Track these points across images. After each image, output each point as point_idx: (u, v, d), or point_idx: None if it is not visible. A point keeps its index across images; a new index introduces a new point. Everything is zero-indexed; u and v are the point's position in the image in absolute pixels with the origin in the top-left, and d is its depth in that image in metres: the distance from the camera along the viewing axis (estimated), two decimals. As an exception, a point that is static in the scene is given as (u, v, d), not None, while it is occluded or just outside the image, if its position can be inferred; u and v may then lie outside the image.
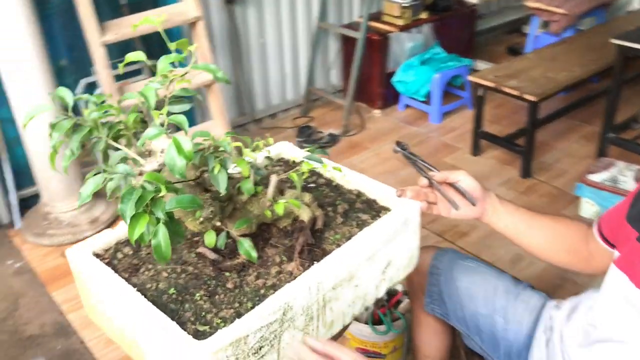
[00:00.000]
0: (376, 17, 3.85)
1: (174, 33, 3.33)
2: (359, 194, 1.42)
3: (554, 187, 3.03)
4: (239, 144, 1.13)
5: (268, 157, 1.30)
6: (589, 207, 2.58)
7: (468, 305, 1.55)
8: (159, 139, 0.99)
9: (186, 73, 1.13)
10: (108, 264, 1.22)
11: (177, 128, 1.00)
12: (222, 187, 1.00)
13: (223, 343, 0.99)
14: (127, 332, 1.16)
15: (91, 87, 3.13)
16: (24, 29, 2.50)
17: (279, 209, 1.15)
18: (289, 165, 1.55)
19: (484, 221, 1.40)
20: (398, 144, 1.45)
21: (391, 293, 2.12)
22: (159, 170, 1.00)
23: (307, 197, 1.26)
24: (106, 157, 1.09)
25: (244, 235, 1.19)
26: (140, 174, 0.99)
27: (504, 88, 2.99)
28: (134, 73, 3.27)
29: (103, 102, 1.02)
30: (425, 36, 3.88)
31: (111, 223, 2.92)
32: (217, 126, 3.17)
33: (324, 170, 1.22)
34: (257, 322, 1.04)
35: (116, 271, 1.20)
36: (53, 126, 1.01)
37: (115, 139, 1.09)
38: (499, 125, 3.66)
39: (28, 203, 3.09)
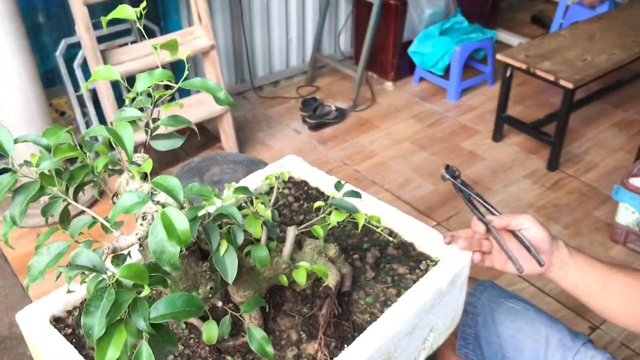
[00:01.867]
0: (393, -22, 3.48)
1: (168, -10, 2.96)
2: (391, 234, 1.13)
3: (584, 183, 2.75)
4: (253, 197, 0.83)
5: (281, 193, 1.00)
6: (628, 214, 2.31)
7: (512, 357, 1.30)
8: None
9: (175, 91, 0.82)
10: (72, 334, 0.94)
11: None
12: (230, 275, 0.71)
13: None
14: None
15: (74, 48, 2.78)
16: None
17: (300, 277, 0.86)
18: (300, 188, 1.25)
19: (548, 277, 1.13)
20: (447, 168, 1.14)
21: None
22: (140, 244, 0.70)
23: (332, 249, 0.97)
24: (66, 216, 0.79)
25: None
26: (114, 252, 0.70)
27: (536, 71, 2.67)
28: (122, 33, 2.90)
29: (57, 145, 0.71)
30: (446, 3, 3.51)
31: (93, 203, 2.62)
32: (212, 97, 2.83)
33: (359, 216, 0.91)
34: None
35: (82, 347, 0.92)
36: (-11, 178, 0.71)
37: (79, 187, 0.79)
38: (522, 106, 3.35)
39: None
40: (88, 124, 2.89)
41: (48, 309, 0.96)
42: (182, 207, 0.76)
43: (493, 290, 1.37)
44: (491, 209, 1.10)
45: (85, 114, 2.89)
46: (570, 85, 2.58)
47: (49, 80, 2.79)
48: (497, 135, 3.05)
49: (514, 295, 1.36)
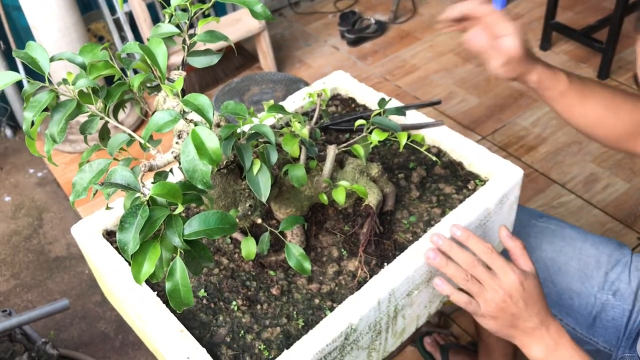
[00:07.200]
0: None
1: None
2: (440, 153, 1.10)
3: (637, 92, 2.63)
4: (289, 113, 0.81)
5: (324, 110, 0.97)
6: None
7: (559, 281, 1.24)
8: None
9: (211, 5, 0.80)
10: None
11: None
12: (264, 193, 0.71)
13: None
14: (150, 338, 0.93)
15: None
16: None
17: (339, 196, 0.85)
18: (347, 105, 1.22)
19: (525, 82, 1.05)
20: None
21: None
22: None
23: (375, 168, 0.95)
24: (106, 134, 0.80)
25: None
26: (150, 169, 0.70)
27: (589, -28, 2.50)
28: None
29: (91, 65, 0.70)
30: None
31: (137, 127, 2.65)
32: (249, 15, 2.77)
33: (401, 136, 0.89)
34: (311, 355, 0.79)
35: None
36: (26, 99, 0.72)
37: (119, 105, 0.79)
38: (572, 12, 3.17)
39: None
40: (127, 48, 2.88)
41: (100, 223, 1.00)
42: (218, 126, 0.76)
43: (525, 212, 1.28)
44: None
45: (123, 38, 2.87)
46: (626, -14, 2.41)
47: (85, 5, 2.77)
48: (546, 44, 2.91)
49: (543, 214, 1.29)
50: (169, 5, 0.79)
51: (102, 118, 0.72)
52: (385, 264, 0.89)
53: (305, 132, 0.80)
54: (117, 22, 2.81)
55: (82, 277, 2.13)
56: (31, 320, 1.62)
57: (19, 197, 2.47)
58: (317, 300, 0.88)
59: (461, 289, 0.88)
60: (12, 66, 2.67)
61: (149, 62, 0.70)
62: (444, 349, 1.70)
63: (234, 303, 0.88)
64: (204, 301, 0.90)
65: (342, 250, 0.93)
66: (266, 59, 2.85)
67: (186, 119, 0.67)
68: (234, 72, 2.93)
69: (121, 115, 0.82)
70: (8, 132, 2.76)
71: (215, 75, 2.87)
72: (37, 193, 2.48)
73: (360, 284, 0.88)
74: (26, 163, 2.62)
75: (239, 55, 2.95)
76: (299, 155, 0.85)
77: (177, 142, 0.71)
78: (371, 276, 0.88)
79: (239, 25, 2.75)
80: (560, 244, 1.22)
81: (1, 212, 2.41)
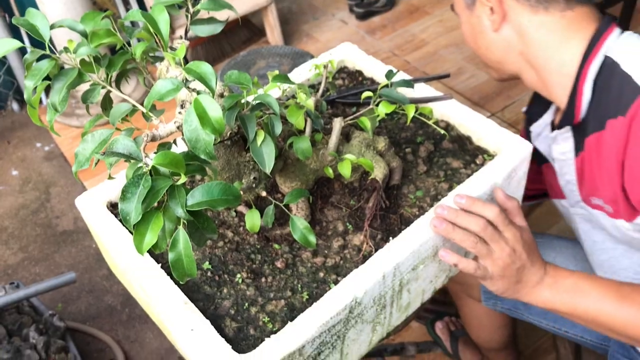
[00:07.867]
0: None
1: None
2: (448, 127, 1.08)
3: None
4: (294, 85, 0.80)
5: (330, 83, 0.96)
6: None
7: None
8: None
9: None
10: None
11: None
12: (267, 165, 0.70)
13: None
14: (154, 310, 0.93)
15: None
16: None
17: (344, 169, 0.84)
18: (354, 78, 1.21)
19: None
20: None
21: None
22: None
23: (382, 142, 0.94)
24: (108, 104, 0.79)
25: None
26: (153, 139, 0.69)
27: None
28: None
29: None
30: None
31: (142, 102, 2.64)
32: (256, -11, 2.74)
33: (409, 109, 0.87)
34: (316, 327, 0.79)
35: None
36: (27, 67, 0.71)
37: (121, 75, 0.78)
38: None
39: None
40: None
41: (104, 195, 0.99)
42: (222, 96, 0.74)
43: None
44: None
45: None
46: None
47: (91, -23, 2.74)
48: (558, 19, 2.86)
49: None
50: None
51: (104, 87, 0.71)
52: (391, 238, 0.88)
53: (310, 103, 0.78)
54: (123, -5, 2.79)
55: (89, 251, 2.14)
56: (38, 292, 1.63)
57: (26, 171, 2.47)
58: (321, 274, 0.87)
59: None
60: (18, 39, 2.66)
61: (151, 30, 0.68)
62: (454, 337, 1.68)
63: (239, 276, 0.88)
64: (209, 273, 0.89)
65: (348, 224, 0.92)
66: (273, 33, 2.82)
67: (189, 87, 0.65)
68: (240, 45, 2.90)
69: (127, 89, 0.81)
70: (15, 106, 2.76)
71: (222, 49, 2.84)
72: (45, 167, 2.48)
73: (365, 258, 0.87)
74: (33, 137, 2.62)
75: (246, 29, 2.92)
76: (304, 128, 0.83)
77: (180, 112, 0.70)
78: (376, 250, 0.87)
79: (246, -2, 2.71)
80: (553, 255, 1.21)
81: (9, 186, 2.41)
